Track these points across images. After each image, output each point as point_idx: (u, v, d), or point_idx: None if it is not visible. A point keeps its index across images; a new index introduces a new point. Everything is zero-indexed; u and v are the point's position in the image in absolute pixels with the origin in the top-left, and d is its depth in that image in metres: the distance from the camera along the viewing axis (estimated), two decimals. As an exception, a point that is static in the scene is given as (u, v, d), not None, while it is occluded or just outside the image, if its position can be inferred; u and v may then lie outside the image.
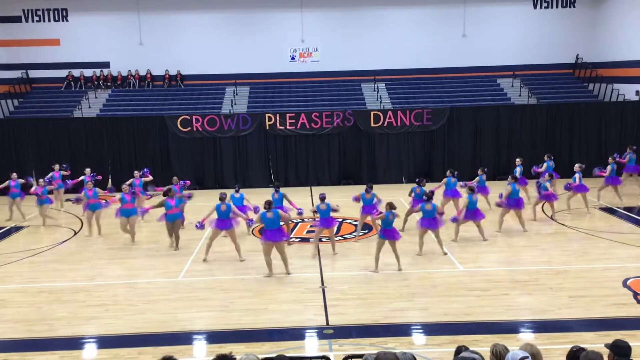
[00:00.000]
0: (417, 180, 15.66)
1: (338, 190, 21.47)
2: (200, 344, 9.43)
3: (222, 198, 13.27)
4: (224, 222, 13.17)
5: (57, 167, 19.22)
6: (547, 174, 16.75)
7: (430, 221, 13.22)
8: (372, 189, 14.65)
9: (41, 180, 17.72)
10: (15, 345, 9.39)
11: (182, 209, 14.92)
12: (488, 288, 11.25)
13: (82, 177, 18.10)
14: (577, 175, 16.56)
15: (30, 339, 9.57)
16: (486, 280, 11.67)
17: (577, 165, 16.92)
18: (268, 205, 12.15)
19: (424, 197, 13.43)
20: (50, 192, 17.84)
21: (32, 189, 17.27)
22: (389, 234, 12.22)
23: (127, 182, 17.05)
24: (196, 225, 13.57)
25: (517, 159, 18.23)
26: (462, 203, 15.03)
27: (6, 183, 17.65)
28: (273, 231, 12.02)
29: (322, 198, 13.57)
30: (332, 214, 13.58)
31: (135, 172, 18.05)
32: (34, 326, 10.01)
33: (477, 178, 16.97)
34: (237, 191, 15.26)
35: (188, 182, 18.00)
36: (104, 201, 16.17)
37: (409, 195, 15.66)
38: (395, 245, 12.33)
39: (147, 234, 16.02)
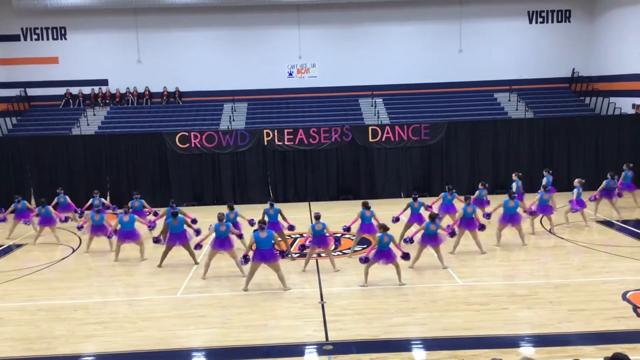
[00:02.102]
0: (413, 195, 15.67)
1: (337, 205, 21.48)
2: (199, 361, 9.41)
3: (220, 218, 13.23)
4: (224, 241, 13.17)
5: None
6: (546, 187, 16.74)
7: (432, 238, 13.26)
8: (370, 207, 14.62)
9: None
10: (13, 364, 9.36)
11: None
12: (487, 302, 11.24)
13: (91, 201, 18.06)
14: (575, 190, 16.56)
15: (29, 358, 9.53)
16: (485, 295, 11.65)
17: (576, 180, 16.92)
18: (261, 224, 12.17)
19: (429, 217, 13.38)
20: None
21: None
22: (385, 255, 12.21)
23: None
24: (196, 247, 13.75)
25: (514, 175, 18.24)
26: (457, 216, 15.11)
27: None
28: (265, 251, 12.04)
29: (317, 217, 13.53)
30: (325, 232, 13.57)
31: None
32: (33, 344, 9.98)
33: (477, 192, 17.07)
34: (231, 209, 15.24)
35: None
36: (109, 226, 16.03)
37: (405, 209, 15.67)
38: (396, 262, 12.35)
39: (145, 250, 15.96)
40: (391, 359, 8.97)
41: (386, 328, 10.20)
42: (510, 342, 9.50)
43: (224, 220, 13.33)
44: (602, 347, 8.97)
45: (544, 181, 17.75)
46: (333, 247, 14.22)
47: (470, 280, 12.61)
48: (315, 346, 9.60)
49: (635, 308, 10.67)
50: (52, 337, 10.27)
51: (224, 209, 14.92)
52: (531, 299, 11.36)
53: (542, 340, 9.52)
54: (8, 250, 16.75)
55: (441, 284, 12.45)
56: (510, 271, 13.34)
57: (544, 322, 10.20)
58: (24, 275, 14.03)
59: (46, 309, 11.65)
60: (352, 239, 15.41)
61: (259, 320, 10.76)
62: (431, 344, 9.57)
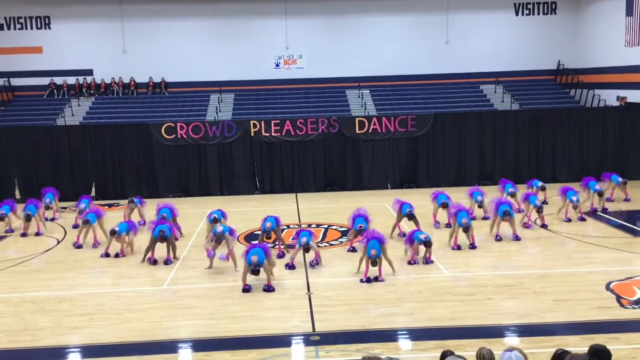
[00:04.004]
0: (410, 213, 15.09)
1: (323, 196, 21.49)
2: (185, 353, 9.39)
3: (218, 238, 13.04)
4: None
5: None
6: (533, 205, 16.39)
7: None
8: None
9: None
10: (-2, 356, 9.30)
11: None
12: (473, 292, 11.31)
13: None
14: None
15: (13, 349, 9.46)
16: (471, 285, 11.73)
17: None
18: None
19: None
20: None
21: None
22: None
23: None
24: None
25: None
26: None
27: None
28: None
29: (307, 249, 13.13)
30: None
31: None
32: (17, 336, 9.91)
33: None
34: (216, 221, 14.59)
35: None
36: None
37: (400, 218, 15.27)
38: (385, 253, 12.27)
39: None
40: (378, 349, 9.00)
41: (373, 318, 10.24)
42: (496, 332, 9.57)
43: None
44: (586, 336, 9.07)
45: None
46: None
47: (456, 271, 12.68)
48: (302, 337, 9.61)
49: (618, 298, 10.79)
50: (37, 328, 10.20)
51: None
52: (516, 289, 11.44)
53: (527, 330, 9.61)
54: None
55: (427, 274, 12.51)
56: (496, 262, 13.42)
57: (529, 312, 10.29)
58: (8, 267, 13.91)
59: (31, 301, 11.55)
60: (342, 231, 15.38)
61: (246, 311, 10.75)
62: (417, 334, 9.63)
